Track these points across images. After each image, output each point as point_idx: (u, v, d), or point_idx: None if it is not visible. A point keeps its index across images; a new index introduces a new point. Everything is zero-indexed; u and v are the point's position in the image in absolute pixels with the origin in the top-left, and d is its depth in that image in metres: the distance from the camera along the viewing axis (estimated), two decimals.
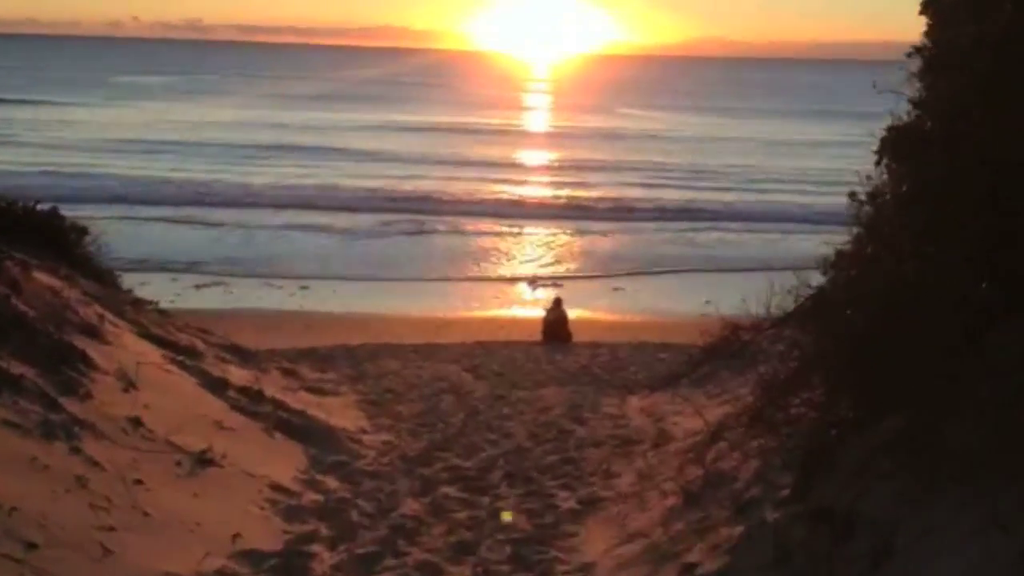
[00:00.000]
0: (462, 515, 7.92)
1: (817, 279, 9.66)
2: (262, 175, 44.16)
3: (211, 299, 23.69)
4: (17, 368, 7.03)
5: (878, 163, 6.38)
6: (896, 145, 6.11)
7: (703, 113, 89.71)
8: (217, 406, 9.01)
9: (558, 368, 15.84)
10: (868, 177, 6.58)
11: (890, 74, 6.51)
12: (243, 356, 12.03)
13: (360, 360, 16.37)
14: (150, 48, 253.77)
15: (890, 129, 6.21)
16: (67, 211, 12.99)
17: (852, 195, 6.86)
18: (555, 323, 19.78)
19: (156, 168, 45.30)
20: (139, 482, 6.66)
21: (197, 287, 24.99)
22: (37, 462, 6.13)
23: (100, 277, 12.05)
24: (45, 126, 59.55)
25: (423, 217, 35.93)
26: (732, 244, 33.19)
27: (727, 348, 12.06)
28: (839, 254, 7.67)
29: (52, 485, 5.94)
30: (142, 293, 13.43)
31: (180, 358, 10.03)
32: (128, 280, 13.71)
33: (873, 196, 6.54)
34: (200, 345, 11.33)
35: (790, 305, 11.59)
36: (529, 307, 24.75)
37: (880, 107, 6.43)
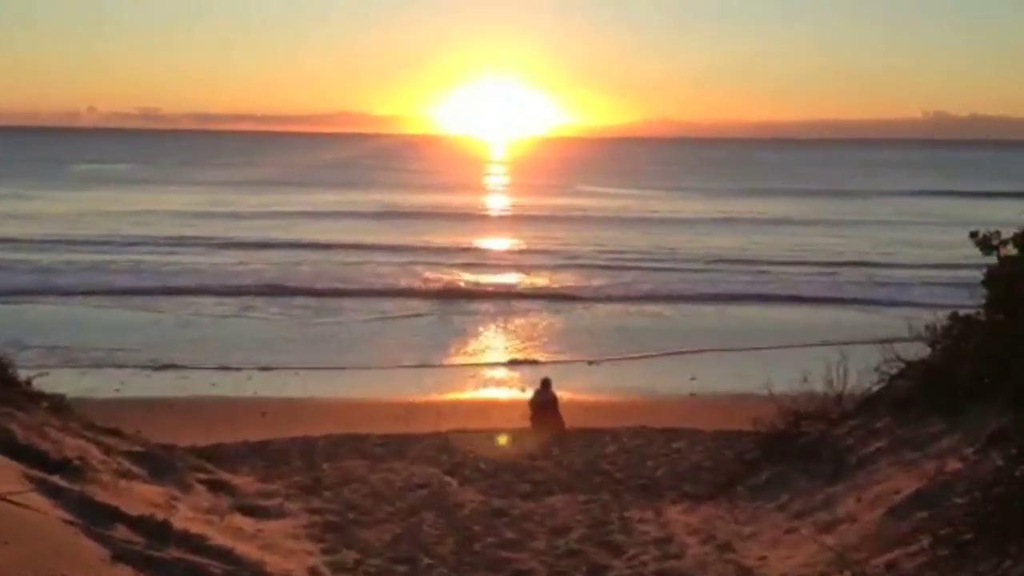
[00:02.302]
0: None
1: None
2: (211, 260, 40.63)
3: (162, 387, 20.74)
4: None
5: None
6: None
7: (656, 191, 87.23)
8: (91, 555, 5.79)
9: (560, 465, 12.68)
10: None
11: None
12: (157, 466, 8.78)
13: (319, 459, 13.19)
14: (104, 138, 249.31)
15: None
16: None
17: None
18: (545, 407, 16.66)
19: (96, 253, 41.78)
20: None
21: (149, 374, 21.87)
22: None
23: None
24: None
25: (390, 301, 32.50)
26: (704, 320, 30.15)
27: (791, 442, 9.02)
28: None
29: None
30: (82, 383, 10.24)
31: (52, 478, 6.82)
32: (68, 371, 10.45)
33: None
34: (95, 455, 8.09)
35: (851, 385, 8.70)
36: (506, 388, 21.70)
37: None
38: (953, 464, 6.38)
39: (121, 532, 6.43)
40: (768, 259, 42.04)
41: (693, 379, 21.34)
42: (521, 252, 45.57)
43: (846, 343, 25.20)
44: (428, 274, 38.04)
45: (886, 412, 8.39)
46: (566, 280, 37.61)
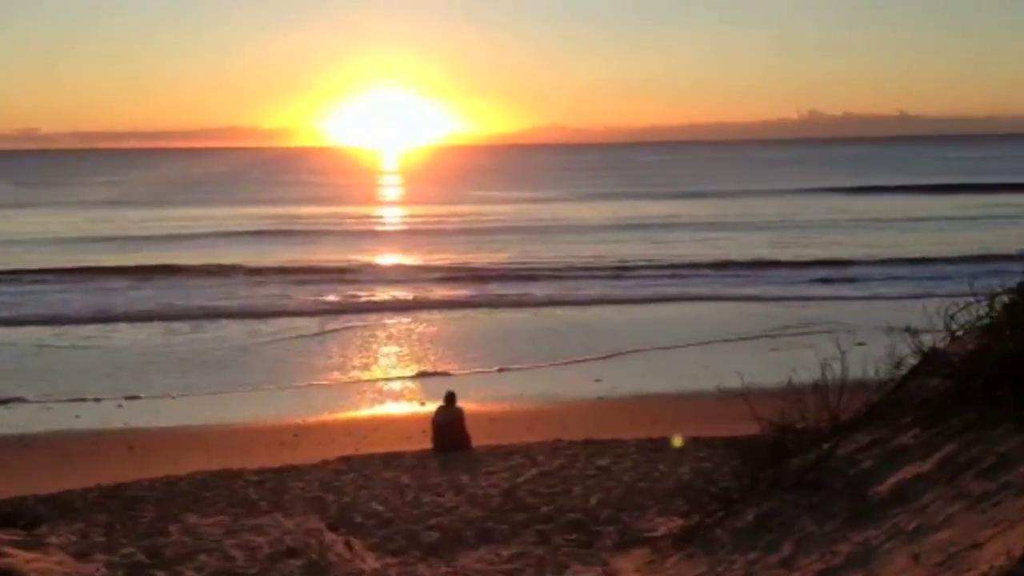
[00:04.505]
0: None
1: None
2: (86, 286, 36.45)
3: (18, 422, 17.81)
4: None
5: None
6: None
7: (548, 195, 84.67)
8: None
9: (472, 500, 10.17)
10: None
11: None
12: None
13: (175, 509, 10.49)
14: None
15: None
16: None
17: None
18: (449, 426, 14.16)
19: None
20: None
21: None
22: None
23: None
24: None
25: (278, 320, 29.16)
26: (607, 322, 28.05)
27: (780, 465, 6.69)
28: None
29: None
30: None
31: None
32: None
33: None
34: None
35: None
36: (406, 402, 19.17)
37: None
38: None
39: None
40: (665, 260, 40.29)
41: (598, 381, 19.68)
42: (418, 263, 42.51)
43: (746, 338, 24.73)
44: (321, 289, 34.92)
45: (912, 421, 6.12)
46: (466, 289, 35.00)
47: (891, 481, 5.70)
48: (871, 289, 32.77)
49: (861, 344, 22.88)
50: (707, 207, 66.24)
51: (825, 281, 34.49)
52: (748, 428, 14.71)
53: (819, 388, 6.99)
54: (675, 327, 26.48)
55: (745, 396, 7.20)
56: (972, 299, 6.57)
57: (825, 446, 6.52)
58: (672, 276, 36.72)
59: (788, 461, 6.69)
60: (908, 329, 6.42)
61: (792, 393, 7.10)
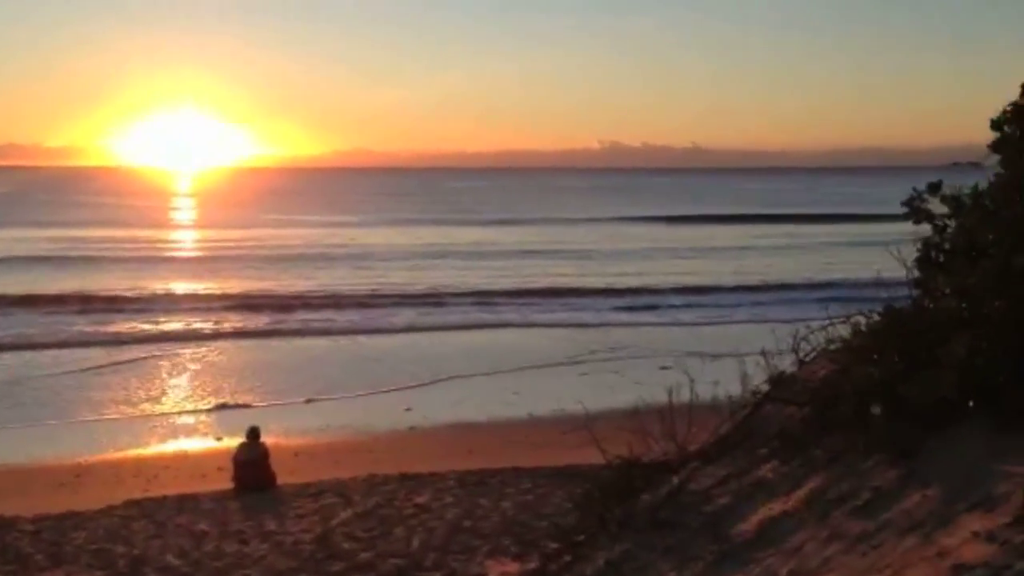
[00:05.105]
0: None
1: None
2: None
3: None
4: None
5: None
6: None
7: (349, 220, 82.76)
8: None
9: (281, 548, 9.22)
10: None
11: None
12: None
13: None
14: None
15: None
16: None
17: None
18: (252, 465, 13.06)
19: None
20: None
21: None
22: None
23: None
24: None
25: (55, 351, 26.64)
26: (416, 351, 27.34)
27: (630, 503, 6.16)
28: None
29: None
30: None
31: None
32: None
33: None
34: None
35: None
36: (202, 438, 17.83)
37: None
38: (969, 549, 3.74)
39: None
40: (473, 288, 39.90)
41: (408, 410, 19.01)
42: (214, 289, 40.10)
43: (555, 364, 24.66)
44: (107, 318, 32.41)
45: (769, 452, 5.71)
46: (266, 316, 33.31)
47: (754, 519, 5.25)
48: (672, 315, 33.47)
49: (665, 368, 23.40)
50: (515, 234, 66.53)
51: (629, 309, 34.98)
52: (571, 457, 14.46)
53: (664, 417, 6.52)
54: (485, 354, 26.11)
55: (588, 427, 6.66)
56: (822, 322, 6.28)
57: (676, 480, 6.04)
58: (480, 304, 36.37)
59: (637, 498, 6.17)
60: (762, 352, 6.03)
61: (633, 420, 6.61)
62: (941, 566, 3.75)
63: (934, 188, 5.00)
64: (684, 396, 6.64)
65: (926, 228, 5.29)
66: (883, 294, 5.44)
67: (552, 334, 29.93)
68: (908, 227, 5.47)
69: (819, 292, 34.85)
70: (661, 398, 6.63)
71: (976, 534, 3.77)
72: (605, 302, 36.37)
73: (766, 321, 30.50)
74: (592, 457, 13.14)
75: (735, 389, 6.71)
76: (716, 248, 56.74)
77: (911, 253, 5.39)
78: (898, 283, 5.59)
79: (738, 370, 6.60)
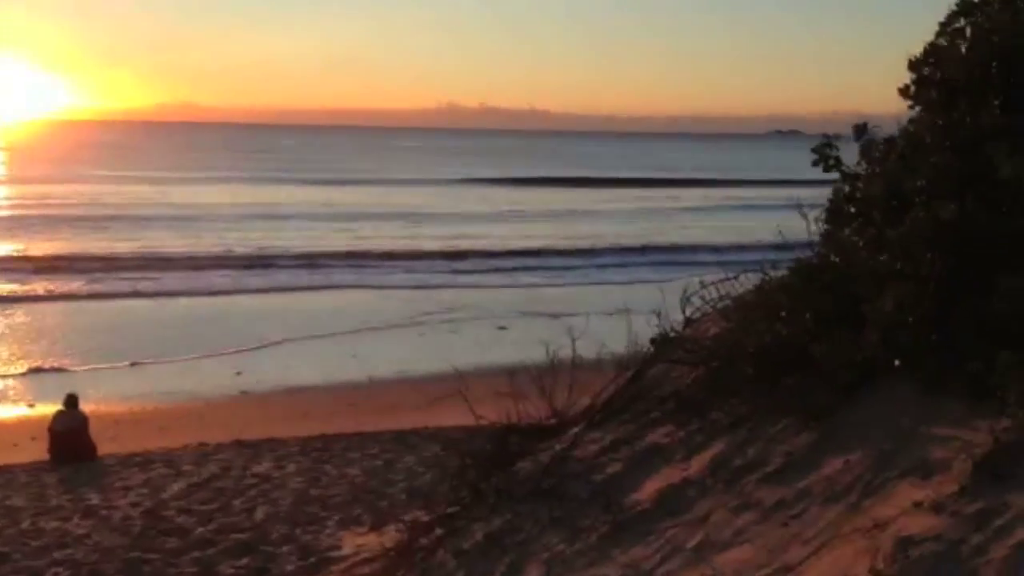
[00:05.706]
0: None
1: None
2: None
3: None
4: None
5: None
6: None
7: (174, 177, 78.58)
8: None
9: (107, 524, 8.32)
10: None
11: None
12: None
13: None
14: None
15: None
16: None
17: None
18: (71, 435, 11.96)
19: None
20: None
21: None
22: None
23: None
24: None
25: None
26: (245, 312, 26.20)
27: (509, 472, 5.67)
28: None
29: None
30: None
31: None
32: None
33: None
34: None
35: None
36: (13, 405, 16.42)
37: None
38: (913, 521, 3.40)
39: None
40: (304, 249, 38.53)
41: (239, 374, 18.21)
42: (26, 249, 37.36)
43: (394, 326, 24.09)
44: None
45: (661, 416, 5.31)
46: (84, 278, 31.23)
47: (651, 487, 4.84)
48: (513, 277, 33.35)
49: (502, 328, 23.09)
50: (347, 194, 64.87)
51: (467, 272, 34.64)
52: (418, 419, 13.95)
53: (541, 379, 6.06)
54: (318, 317, 25.21)
55: (463, 391, 6.10)
56: (708, 280, 5.93)
57: (558, 447, 5.58)
58: (311, 266, 35.25)
59: (514, 466, 5.68)
60: (656, 312, 5.62)
61: (508, 383, 6.12)
62: (881, 538, 3.41)
63: (860, 131, 4.67)
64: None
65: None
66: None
67: (388, 296, 29.31)
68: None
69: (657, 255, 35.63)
70: (507, 359, 6.18)
71: (918, 504, 3.44)
72: (443, 264, 35.91)
73: (603, 283, 30.99)
74: (444, 419, 12.75)
75: (592, 351, 6.33)
76: (554, 211, 56.92)
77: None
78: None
79: (592, 330, 6.23)
